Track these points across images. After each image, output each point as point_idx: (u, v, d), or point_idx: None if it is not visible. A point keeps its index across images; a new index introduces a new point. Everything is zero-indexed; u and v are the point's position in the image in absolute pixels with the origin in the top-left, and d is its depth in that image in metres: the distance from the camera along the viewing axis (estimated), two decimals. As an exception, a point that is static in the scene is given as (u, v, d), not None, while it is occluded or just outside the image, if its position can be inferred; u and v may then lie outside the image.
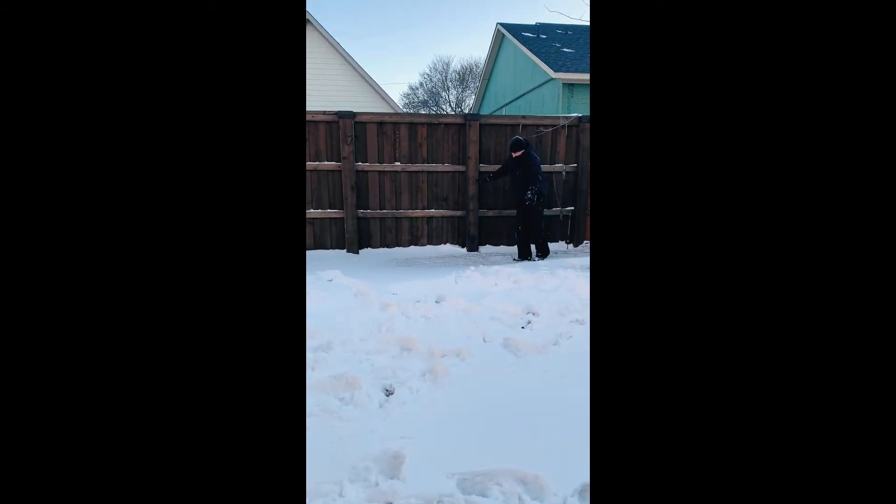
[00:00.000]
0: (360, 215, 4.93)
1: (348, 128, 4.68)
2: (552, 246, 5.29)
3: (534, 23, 11.93)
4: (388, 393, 1.98)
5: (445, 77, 25.52)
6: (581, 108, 8.57)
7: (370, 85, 10.41)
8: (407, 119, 4.92)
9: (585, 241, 5.36)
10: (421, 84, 26.70)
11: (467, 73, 24.84)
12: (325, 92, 9.82)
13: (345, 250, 4.95)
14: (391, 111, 10.24)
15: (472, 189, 4.99)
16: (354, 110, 4.87)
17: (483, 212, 5.11)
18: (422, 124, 4.91)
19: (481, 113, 7.41)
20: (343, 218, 4.89)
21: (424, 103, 25.89)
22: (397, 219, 5.06)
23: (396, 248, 5.11)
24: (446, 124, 4.94)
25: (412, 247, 5.15)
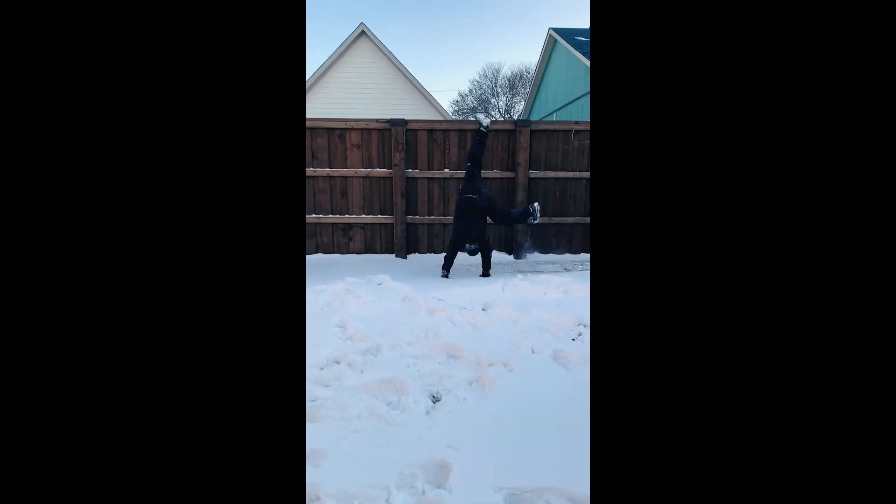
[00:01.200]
0: (409, 221, 5.01)
1: (400, 135, 4.78)
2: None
3: (586, 27, 11.67)
4: (435, 400, 1.98)
5: (495, 83, 25.55)
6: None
7: (421, 93, 10.60)
8: (457, 126, 4.95)
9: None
10: (470, 91, 26.89)
11: (517, 79, 24.74)
12: (377, 100, 10.11)
13: (393, 255, 5.04)
14: (441, 118, 10.37)
15: (520, 196, 4.93)
16: (406, 118, 4.96)
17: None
18: (472, 131, 4.91)
19: (531, 119, 7.35)
20: (392, 223, 4.98)
21: (473, 110, 26.02)
22: (444, 225, 5.09)
23: (443, 254, 5.13)
24: (496, 130, 4.92)
25: (459, 253, 5.15)
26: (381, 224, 5.03)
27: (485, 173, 4.97)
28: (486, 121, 4.11)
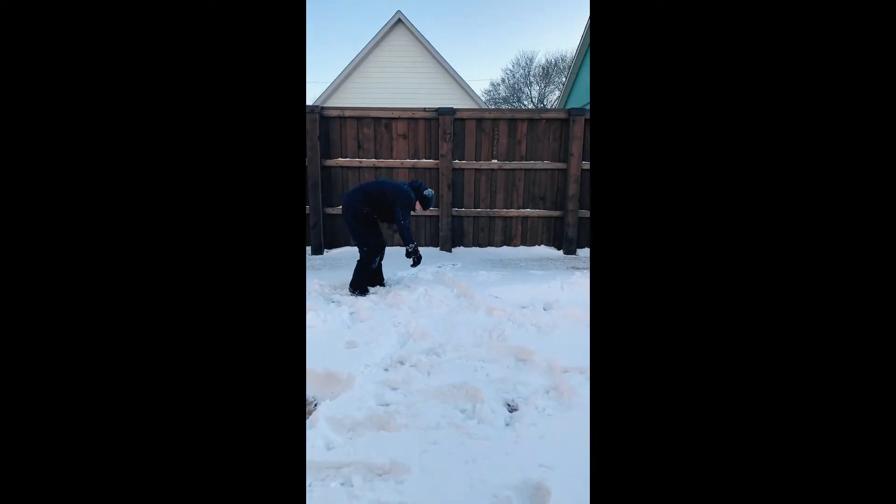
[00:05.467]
0: (455, 213, 4.86)
1: (447, 125, 4.62)
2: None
3: (632, 10, 11.15)
4: (512, 409, 1.84)
5: (528, 72, 24.85)
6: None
7: (458, 82, 10.37)
8: (507, 115, 4.75)
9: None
10: (503, 80, 26.29)
11: (552, 67, 23.99)
12: (414, 89, 9.95)
13: (438, 248, 4.91)
14: (485, 108, 10.13)
15: (572, 188, 4.71)
16: (453, 107, 4.79)
17: (583, 212, 4.80)
18: (522, 120, 4.71)
19: (575, 107, 6.99)
20: (438, 216, 4.85)
21: (505, 99, 25.50)
22: (491, 218, 4.92)
23: (489, 248, 4.98)
24: (548, 120, 4.70)
25: (504, 247, 4.98)
26: (425, 216, 4.90)
27: (534, 164, 4.77)
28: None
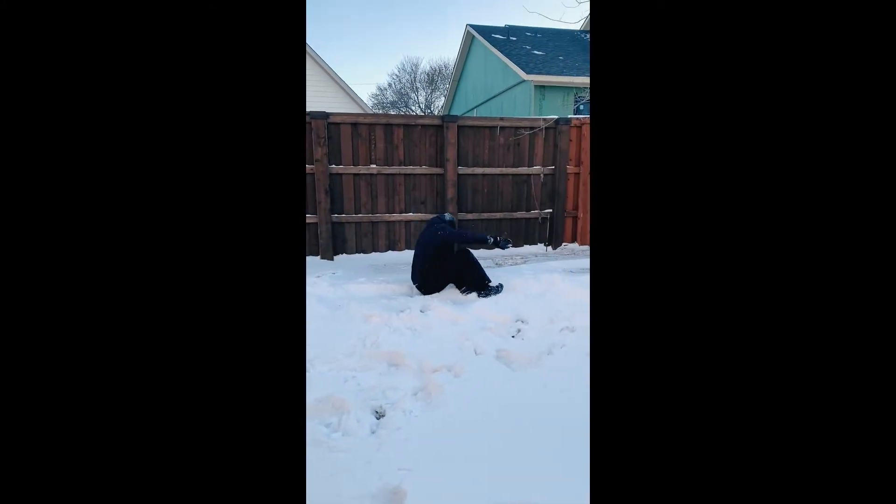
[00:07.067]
0: (335, 220, 4.73)
1: (321, 129, 4.47)
2: (531, 248, 5.25)
3: (503, 25, 11.96)
4: (379, 416, 1.83)
5: (414, 78, 25.31)
6: (553, 110, 8.62)
7: (340, 86, 10.14)
8: (383, 120, 4.76)
9: (564, 244, 5.35)
10: (390, 84, 26.37)
11: (436, 74, 24.71)
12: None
13: (318, 257, 4.73)
14: (363, 112, 10.00)
15: (450, 192, 4.88)
16: (326, 111, 4.66)
17: (463, 215, 5.00)
18: (398, 125, 4.76)
19: (452, 114, 7.26)
20: (316, 223, 4.67)
21: (393, 104, 25.59)
22: (374, 223, 4.88)
23: (373, 254, 4.93)
24: (423, 126, 4.81)
25: (389, 252, 4.98)
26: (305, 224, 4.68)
27: (413, 169, 4.85)
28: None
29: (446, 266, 3.32)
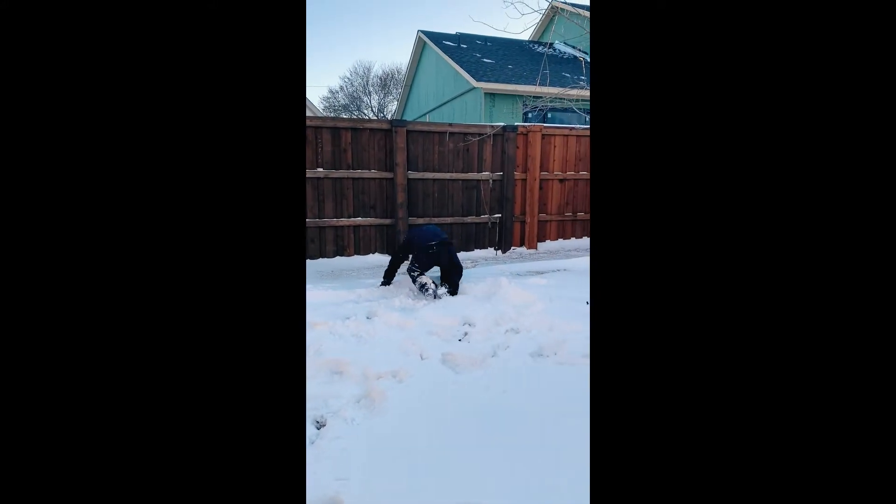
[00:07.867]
0: (280, 225, 4.57)
1: (264, 131, 4.32)
2: (482, 253, 5.33)
3: (454, 32, 12.12)
4: (320, 425, 1.78)
5: (367, 81, 25.07)
6: (503, 117, 8.82)
7: (287, 86, 9.84)
8: (329, 123, 4.67)
9: (513, 248, 5.47)
10: (342, 88, 25.96)
11: (389, 78, 24.61)
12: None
13: (263, 263, 4.55)
14: (311, 115, 9.76)
15: (400, 196, 4.86)
16: (271, 112, 4.51)
17: (413, 219, 5.00)
18: (346, 129, 4.69)
19: (405, 119, 7.29)
20: (260, 228, 4.49)
21: (346, 107, 25.20)
22: (321, 228, 4.77)
23: (321, 260, 4.81)
24: (372, 130, 4.77)
25: (338, 257, 4.88)
26: (246, 229, 4.49)
27: (361, 173, 4.79)
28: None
29: (441, 257, 3.67)
